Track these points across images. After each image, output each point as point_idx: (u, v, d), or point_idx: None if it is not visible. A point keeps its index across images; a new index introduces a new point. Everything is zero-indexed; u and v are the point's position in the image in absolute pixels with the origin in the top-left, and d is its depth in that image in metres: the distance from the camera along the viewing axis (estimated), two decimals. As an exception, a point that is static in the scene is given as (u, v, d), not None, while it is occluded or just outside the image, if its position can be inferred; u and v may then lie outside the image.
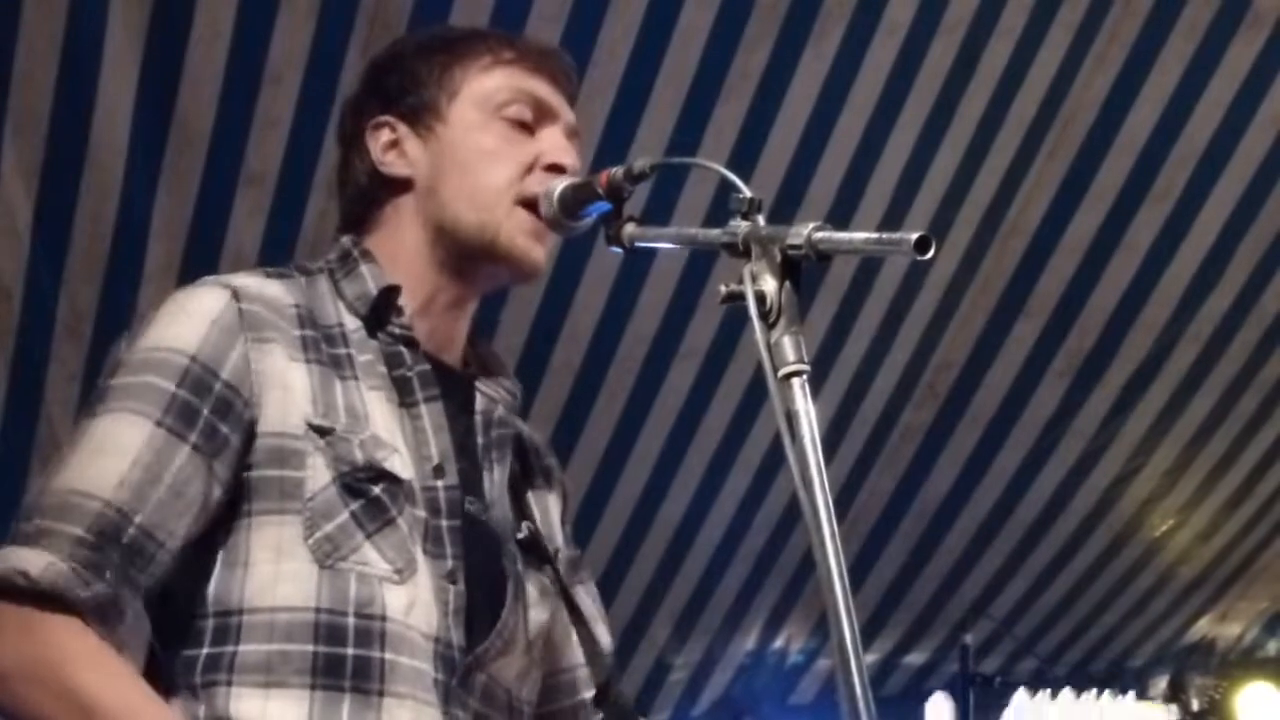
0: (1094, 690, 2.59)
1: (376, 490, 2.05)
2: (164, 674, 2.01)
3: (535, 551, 2.24)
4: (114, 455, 1.97)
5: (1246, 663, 7.24)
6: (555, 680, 2.31)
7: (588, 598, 2.39)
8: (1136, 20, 4.91)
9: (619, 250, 2.14)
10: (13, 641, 1.89)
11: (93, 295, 4.84)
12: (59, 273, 4.79)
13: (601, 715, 2.32)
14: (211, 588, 2.02)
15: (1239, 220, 5.40)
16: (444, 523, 2.10)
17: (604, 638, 2.37)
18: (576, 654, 2.32)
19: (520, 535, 2.22)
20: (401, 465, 2.09)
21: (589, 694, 2.33)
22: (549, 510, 2.36)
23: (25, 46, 4.40)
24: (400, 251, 2.24)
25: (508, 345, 5.06)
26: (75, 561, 1.90)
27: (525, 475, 2.34)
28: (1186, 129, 5.15)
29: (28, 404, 5.01)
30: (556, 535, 2.35)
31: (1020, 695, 2.52)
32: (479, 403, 2.25)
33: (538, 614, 2.19)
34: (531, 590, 2.19)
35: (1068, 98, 5.06)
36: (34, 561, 1.89)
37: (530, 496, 2.33)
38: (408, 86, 2.28)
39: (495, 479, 2.21)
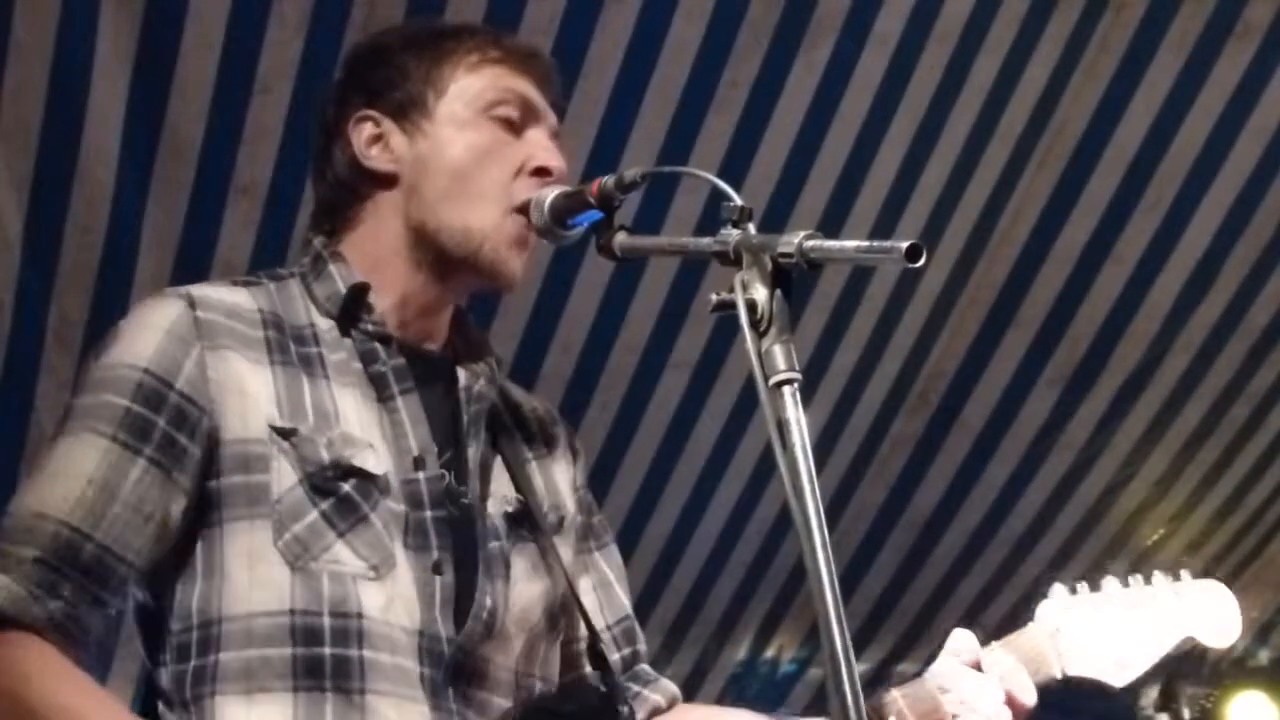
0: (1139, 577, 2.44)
1: (346, 488, 2.05)
2: (160, 691, 2.02)
3: (526, 524, 2.23)
4: (70, 476, 1.99)
5: (1238, 672, 7.24)
6: (565, 651, 2.31)
7: (604, 563, 2.38)
8: (1126, 31, 4.91)
9: (610, 259, 2.13)
10: None
11: (83, 305, 4.83)
12: (49, 283, 4.78)
13: (603, 684, 2.31)
14: (193, 601, 2.03)
15: (1229, 231, 5.40)
16: (428, 514, 2.09)
17: (620, 601, 2.36)
18: (579, 626, 2.31)
19: (509, 509, 2.21)
20: (375, 461, 2.08)
21: (588, 668, 2.32)
22: (554, 478, 2.35)
23: (15, 57, 4.40)
24: (378, 250, 2.23)
25: (498, 355, 5.05)
26: (31, 582, 1.92)
27: (527, 445, 2.33)
28: (1176, 140, 5.16)
29: (18, 413, 4.99)
30: (565, 503, 2.34)
31: (1058, 589, 2.37)
32: (462, 379, 2.25)
33: (526, 587, 2.18)
34: (519, 564, 2.18)
35: (1058, 109, 5.06)
36: None
37: (532, 467, 2.32)
38: (394, 80, 2.27)
39: (476, 455, 2.20)
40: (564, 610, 2.27)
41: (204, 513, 2.05)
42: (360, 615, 2.01)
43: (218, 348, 2.08)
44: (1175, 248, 5.44)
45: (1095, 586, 2.38)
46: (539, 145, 2.25)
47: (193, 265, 4.76)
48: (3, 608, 1.91)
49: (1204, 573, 6.90)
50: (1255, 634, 7.19)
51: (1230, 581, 7.14)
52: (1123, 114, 5.09)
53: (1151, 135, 5.14)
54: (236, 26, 4.45)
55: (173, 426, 2.03)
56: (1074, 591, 2.35)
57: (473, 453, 2.20)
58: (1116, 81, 5.02)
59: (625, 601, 2.39)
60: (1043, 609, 2.38)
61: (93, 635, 1.97)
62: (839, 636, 1.68)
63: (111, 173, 4.63)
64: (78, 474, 1.99)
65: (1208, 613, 2.39)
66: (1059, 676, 2.32)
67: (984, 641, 2.32)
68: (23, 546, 1.94)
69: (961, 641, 2.27)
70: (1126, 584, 2.38)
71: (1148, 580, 2.39)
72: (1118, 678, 2.35)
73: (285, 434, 2.06)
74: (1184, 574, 2.40)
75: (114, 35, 4.41)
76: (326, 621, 2.00)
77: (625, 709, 2.24)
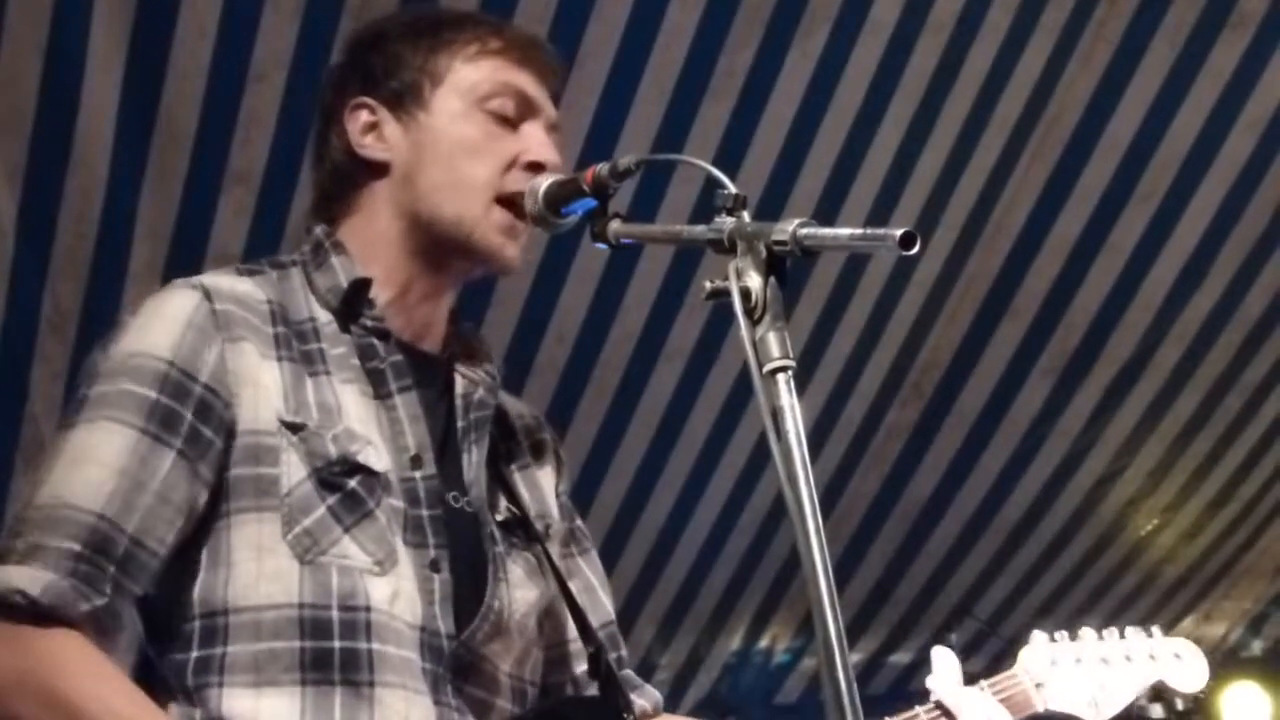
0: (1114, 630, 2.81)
1: (352, 483, 2.05)
2: (158, 678, 2.01)
3: (520, 531, 2.24)
4: (99, 465, 1.97)
5: (1231, 662, 7.25)
6: (551, 654, 2.31)
7: (586, 568, 2.39)
8: (1121, 21, 4.91)
9: (604, 246, 2.13)
10: (7, 657, 1.90)
11: (77, 294, 4.83)
12: (43, 271, 4.78)
13: (596, 686, 2.31)
14: (196, 590, 2.02)
15: (1223, 221, 5.41)
16: (424, 512, 2.09)
17: (604, 606, 2.37)
18: (571, 629, 2.32)
19: (501, 517, 2.22)
20: (376, 457, 2.08)
21: (581, 668, 2.33)
22: (540, 487, 2.35)
23: (9, 45, 4.39)
24: (374, 238, 2.22)
25: (492, 344, 5.04)
26: (74, 577, 1.91)
27: (514, 454, 2.33)
28: (1171, 130, 5.16)
29: (12, 402, 4.99)
30: (550, 510, 2.34)
31: (1038, 636, 2.71)
32: (459, 385, 2.25)
33: (524, 593, 2.18)
34: (516, 570, 2.19)
35: (1052, 99, 5.06)
36: (32, 580, 1.90)
37: (518, 476, 2.32)
38: (391, 69, 2.26)
39: (474, 461, 2.20)
40: (550, 615, 2.28)
41: (212, 503, 2.04)
42: (369, 608, 2.01)
43: (235, 339, 2.07)
44: (1169, 238, 5.44)
45: (1073, 636, 2.69)
46: (534, 140, 2.24)
47: (187, 253, 4.76)
48: (49, 603, 1.89)
49: (1197, 564, 6.95)
50: (1248, 625, 7.20)
51: (1223, 572, 7.20)
52: (1117, 104, 5.09)
53: (1146, 125, 5.14)
54: (231, 14, 4.44)
55: (198, 419, 2.02)
56: (1053, 640, 2.63)
57: (472, 459, 2.20)
58: (1111, 71, 5.02)
59: (609, 607, 2.40)
60: (1024, 655, 2.63)
61: (124, 629, 1.97)
62: (833, 626, 1.67)
63: (106, 160, 4.62)
64: (105, 464, 1.97)
65: (1177, 665, 2.70)
66: (1041, 712, 2.57)
67: (971, 679, 2.52)
68: (58, 539, 1.92)
69: (947, 665, 2.41)
70: (1101, 636, 2.67)
71: (1121, 634, 2.67)
72: (1094, 716, 2.65)
73: (294, 428, 2.05)
74: (1155, 629, 2.69)
75: (108, 22, 4.41)
76: (335, 615, 2.00)
77: (629, 717, 2.24)
